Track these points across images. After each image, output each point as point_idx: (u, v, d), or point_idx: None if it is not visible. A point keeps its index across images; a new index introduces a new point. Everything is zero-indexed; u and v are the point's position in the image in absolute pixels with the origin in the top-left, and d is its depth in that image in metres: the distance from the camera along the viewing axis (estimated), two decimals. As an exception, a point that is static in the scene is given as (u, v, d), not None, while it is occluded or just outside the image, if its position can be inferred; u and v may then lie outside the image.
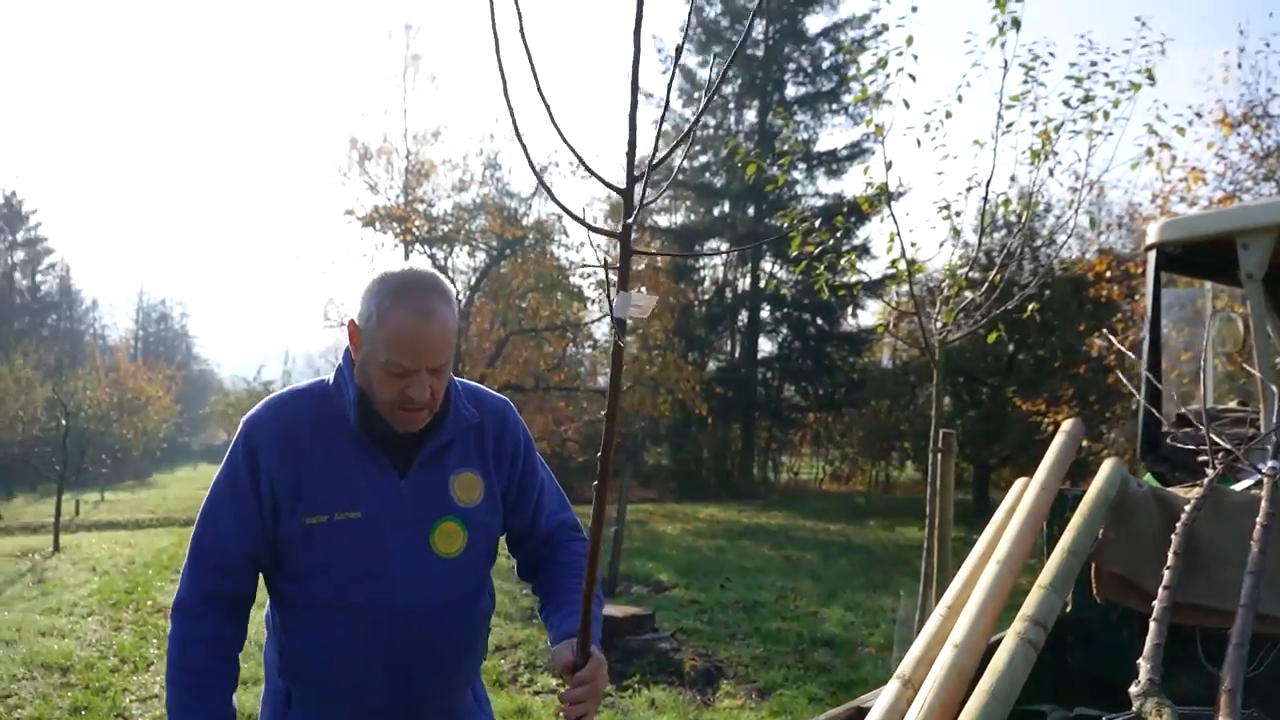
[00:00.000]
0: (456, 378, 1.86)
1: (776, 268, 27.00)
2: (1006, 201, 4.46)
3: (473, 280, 20.78)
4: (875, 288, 26.72)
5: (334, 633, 1.72)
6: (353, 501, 1.71)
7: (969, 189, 4.23)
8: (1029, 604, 1.94)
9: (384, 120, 34.80)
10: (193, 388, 56.92)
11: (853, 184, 27.50)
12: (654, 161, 1.18)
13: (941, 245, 4.67)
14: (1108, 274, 11.07)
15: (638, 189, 1.20)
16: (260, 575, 1.83)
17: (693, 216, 28.24)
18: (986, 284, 4.21)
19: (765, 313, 28.06)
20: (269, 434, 1.76)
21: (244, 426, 1.79)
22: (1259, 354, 3.73)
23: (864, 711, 1.81)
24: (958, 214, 4.37)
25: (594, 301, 19.53)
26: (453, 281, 18.94)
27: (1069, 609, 2.64)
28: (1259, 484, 2.73)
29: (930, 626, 2.04)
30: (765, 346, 28.66)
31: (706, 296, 27.77)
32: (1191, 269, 4.14)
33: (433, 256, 20.30)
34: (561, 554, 1.96)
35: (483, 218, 19.98)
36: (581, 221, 1.28)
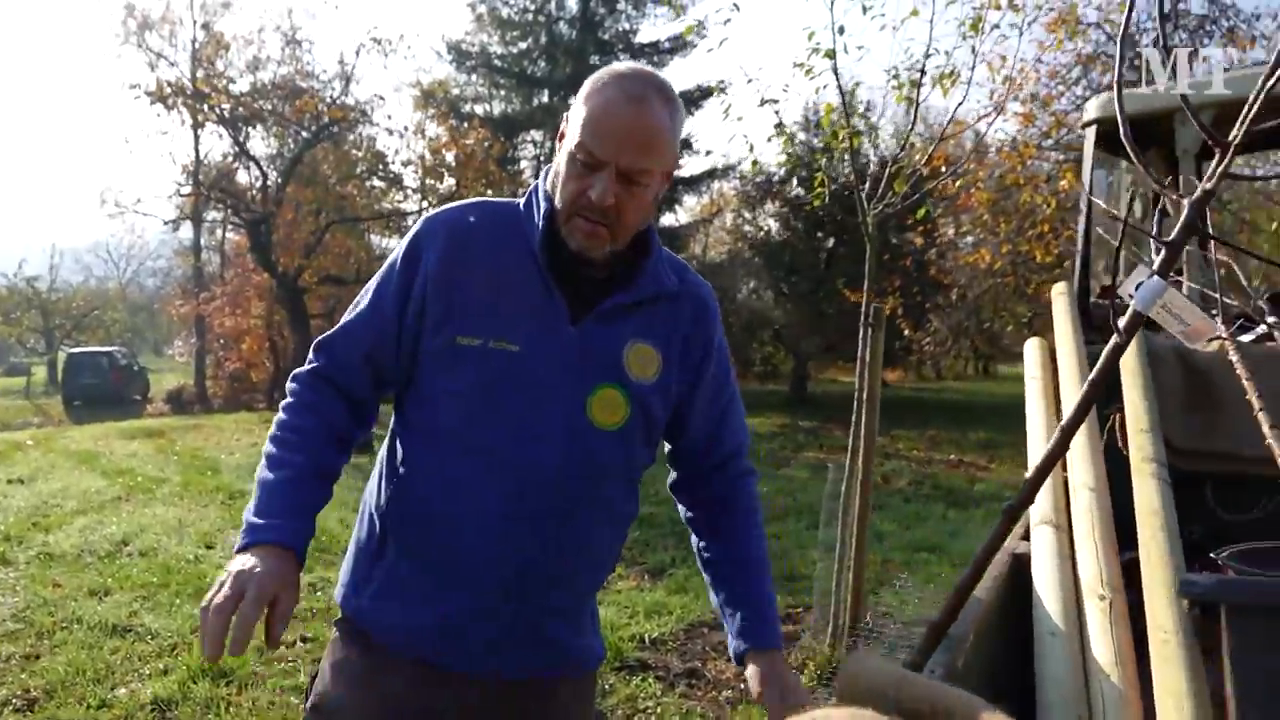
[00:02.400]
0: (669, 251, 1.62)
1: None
2: (949, 74, 4.43)
3: (279, 165, 19.34)
4: (694, 183, 27.10)
5: (455, 471, 1.47)
6: (514, 332, 1.47)
7: (924, 58, 4.16)
8: (1142, 448, 1.93)
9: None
10: (-65, 285, 50.61)
11: (676, 76, 27.34)
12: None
13: (907, 116, 4.53)
14: (942, 169, 11.53)
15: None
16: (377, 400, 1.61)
17: (511, 107, 27.33)
18: (926, 158, 4.20)
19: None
20: (444, 234, 1.52)
21: (420, 223, 1.58)
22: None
23: (1021, 557, 1.75)
24: (914, 85, 4.29)
25: (415, 190, 18.71)
26: (258, 166, 17.27)
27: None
28: (1259, 339, 2.87)
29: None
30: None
31: (526, 189, 27.14)
32: (1120, 146, 4.28)
33: (234, 138, 18.72)
34: (740, 505, 1.69)
35: (278, 98, 18.53)
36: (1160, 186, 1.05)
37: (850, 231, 18.15)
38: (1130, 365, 2.34)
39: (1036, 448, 2.15)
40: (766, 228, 21.09)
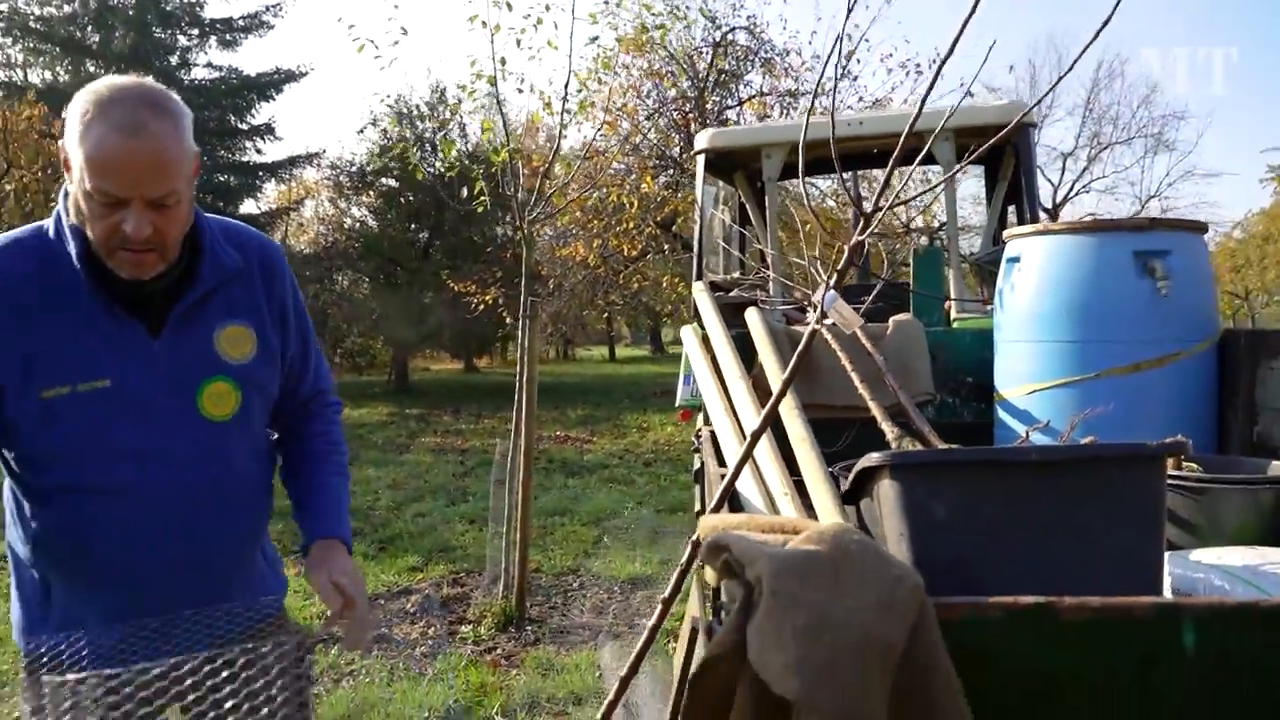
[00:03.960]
0: (214, 215, 1.68)
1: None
2: (587, 103, 5.17)
3: None
4: (276, 169, 26.02)
5: (92, 520, 1.51)
6: (98, 368, 1.48)
7: (564, 88, 4.89)
8: (786, 399, 2.79)
9: None
10: None
11: (249, 58, 25.93)
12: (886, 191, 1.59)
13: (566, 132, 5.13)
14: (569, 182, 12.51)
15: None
16: None
17: (62, 76, 24.29)
18: (577, 164, 4.92)
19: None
20: None
21: None
22: (771, 235, 5.05)
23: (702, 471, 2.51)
24: (563, 99, 4.98)
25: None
26: None
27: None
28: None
29: (726, 427, 2.79)
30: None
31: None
32: (721, 171, 5.35)
33: None
34: (318, 423, 1.84)
35: None
36: (813, 215, 1.66)
37: (446, 224, 18.77)
38: (765, 341, 3.24)
39: (714, 406, 2.94)
40: (361, 218, 21.02)
